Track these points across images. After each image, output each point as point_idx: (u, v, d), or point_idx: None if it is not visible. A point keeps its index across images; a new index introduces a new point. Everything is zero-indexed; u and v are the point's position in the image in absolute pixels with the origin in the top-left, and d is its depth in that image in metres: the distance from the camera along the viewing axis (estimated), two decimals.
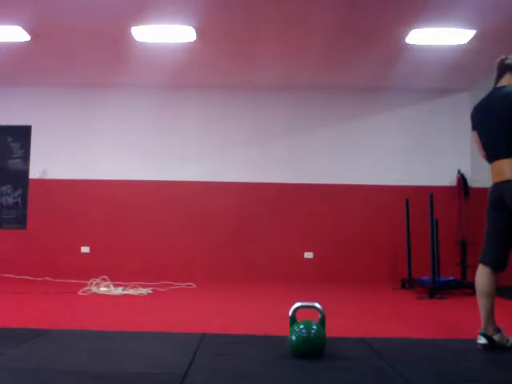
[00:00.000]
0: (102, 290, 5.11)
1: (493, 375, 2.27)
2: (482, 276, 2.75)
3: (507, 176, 2.65)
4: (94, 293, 5.01)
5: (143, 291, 5.11)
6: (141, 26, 4.92)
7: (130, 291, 5.08)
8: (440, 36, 5.04)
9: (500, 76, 2.82)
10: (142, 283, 5.71)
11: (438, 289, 5.17)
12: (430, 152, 6.87)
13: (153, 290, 5.26)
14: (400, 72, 6.18)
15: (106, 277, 5.45)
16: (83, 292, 4.98)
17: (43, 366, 2.25)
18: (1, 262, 6.52)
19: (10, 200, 6.80)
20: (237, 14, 4.68)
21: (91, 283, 5.31)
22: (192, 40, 5.22)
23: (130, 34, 5.07)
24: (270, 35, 5.13)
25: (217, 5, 4.49)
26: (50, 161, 6.82)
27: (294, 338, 2.50)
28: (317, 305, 2.64)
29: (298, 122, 6.93)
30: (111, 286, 5.22)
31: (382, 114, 6.94)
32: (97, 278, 5.44)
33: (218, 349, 2.66)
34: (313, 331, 2.51)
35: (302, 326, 2.52)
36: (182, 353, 2.54)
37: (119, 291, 5.05)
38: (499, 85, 2.81)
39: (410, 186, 6.73)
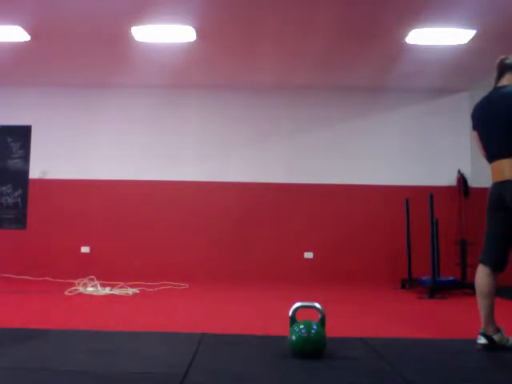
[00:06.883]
0: (89, 289, 5.11)
1: (493, 375, 2.26)
2: (482, 276, 2.75)
3: (507, 176, 2.65)
4: (81, 293, 5.01)
5: (129, 291, 5.10)
6: (141, 26, 4.92)
7: (117, 291, 5.07)
8: (440, 36, 5.04)
9: (500, 76, 2.82)
10: (143, 283, 5.72)
11: (437, 289, 5.17)
12: (430, 152, 6.87)
13: (139, 290, 5.25)
14: (400, 72, 6.18)
15: (93, 276, 5.47)
16: (69, 292, 4.98)
17: (43, 366, 2.25)
18: (1, 262, 6.53)
19: (10, 200, 6.80)
20: (237, 14, 4.68)
21: (78, 283, 5.32)
22: (192, 40, 5.22)
23: (129, 33, 5.07)
24: (270, 35, 5.13)
25: (217, 5, 4.49)
26: (50, 161, 6.82)
27: (294, 338, 2.50)
28: (317, 305, 2.64)
29: (298, 122, 6.93)
30: (98, 286, 5.22)
31: (381, 114, 6.94)
32: (84, 278, 5.48)
33: (218, 349, 2.66)
34: (313, 331, 2.51)
35: (302, 326, 2.52)
36: (182, 353, 2.54)
37: (106, 291, 5.05)
38: (499, 84, 2.81)
39: (409, 186, 6.72)
